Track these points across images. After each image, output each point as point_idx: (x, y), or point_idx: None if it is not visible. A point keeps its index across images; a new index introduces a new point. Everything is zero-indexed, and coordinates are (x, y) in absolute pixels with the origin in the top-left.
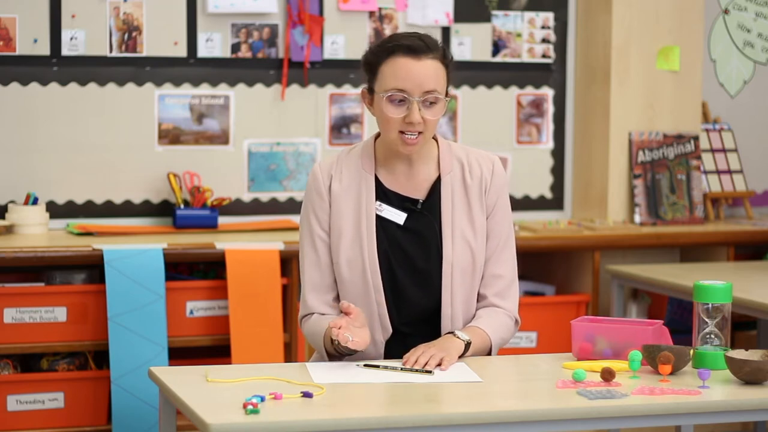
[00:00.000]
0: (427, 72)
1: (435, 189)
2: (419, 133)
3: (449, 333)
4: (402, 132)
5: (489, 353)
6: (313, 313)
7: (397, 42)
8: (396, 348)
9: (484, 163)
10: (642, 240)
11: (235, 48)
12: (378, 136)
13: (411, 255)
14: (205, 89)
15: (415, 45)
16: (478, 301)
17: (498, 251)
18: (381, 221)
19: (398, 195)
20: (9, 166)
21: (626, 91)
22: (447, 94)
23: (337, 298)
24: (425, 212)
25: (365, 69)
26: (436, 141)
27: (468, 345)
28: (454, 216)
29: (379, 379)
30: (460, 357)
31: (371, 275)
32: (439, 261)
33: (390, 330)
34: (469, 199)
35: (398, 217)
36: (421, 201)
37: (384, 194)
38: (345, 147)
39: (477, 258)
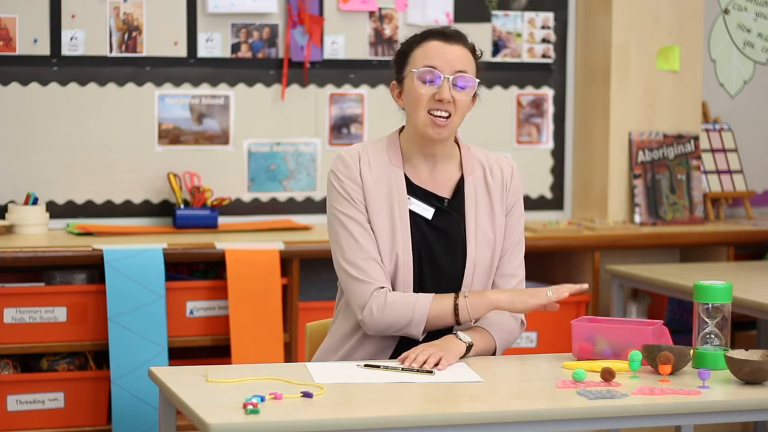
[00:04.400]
0: (458, 54)
1: (459, 189)
2: (448, 116)
3: (452, 334)
4: (431, 113)
5: (493, 354)
6: (384, 288)
7: (432, 29)
8: (409, 343)
9: (504, 165)
10: (642, 240)
11: (235, 48)
12: (401, 131)
13: (436, 251)
14: (205, 89)
15: (448, 31)
16: None
17: (509, 252)
18: (411, 216)
19: (424, 191)
20: (9, 166)
21: (626, 91)
22: (475, 94)
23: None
24: (451, 210)
25: (396, 61)
26: (458, 143)
27: (469, 347)
28: (477, 216)
29: (379, 379)
30: (461, 358)
31: (403, 269)
32: (462, 259)
33: None
34: (491, 200)
35: (427, 212)
36: (447, 199)
37: (412, 189)
38: (363, 141)
39: (495, 258)
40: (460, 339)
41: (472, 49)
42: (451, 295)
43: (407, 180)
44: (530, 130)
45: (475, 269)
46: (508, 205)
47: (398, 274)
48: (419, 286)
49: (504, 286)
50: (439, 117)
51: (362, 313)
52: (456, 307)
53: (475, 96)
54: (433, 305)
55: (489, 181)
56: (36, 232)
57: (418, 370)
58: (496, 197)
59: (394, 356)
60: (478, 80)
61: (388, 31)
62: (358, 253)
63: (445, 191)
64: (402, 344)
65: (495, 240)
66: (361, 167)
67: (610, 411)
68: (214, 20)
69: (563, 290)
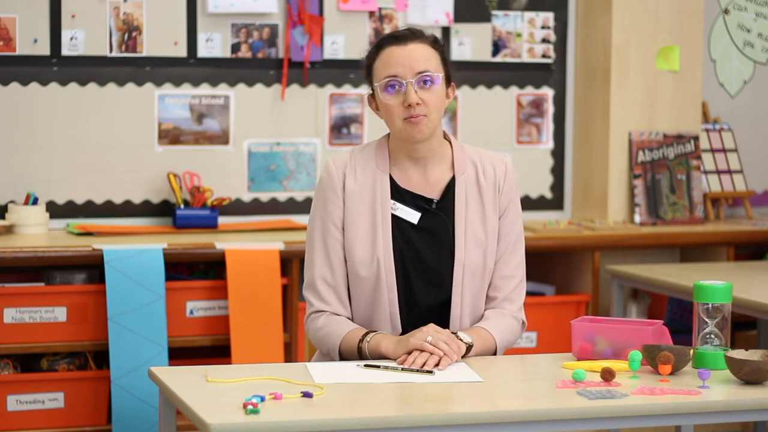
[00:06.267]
0: (414, 54)
1: (449, 189)
2: (423, 115)
3: (452, 334)
4: (406, 119)
5: (494, 355)
6: (325, 311)
7: (384, 36)
8: None
9: (498, 164)
10: (642, 240)
11: (235, 48)
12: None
13: (423, 254)
14: (205, 89)
15: (399, 34)
16: (485, 302)
17: (508, 253)
18: (395, 220)
19: (412, 194)
20: (9, 166)
21: (626, 91)
22: (450, 82)
23: (347, 296)
24: (439, 212)
25: (365, 76)
26: (449, 142)
27: (470, 347)
28: (467, 217)
29: (379, 379)
30: (462, 358)
31: (386, 274)
32: (451, 261)
33: (399, 329)
34: (483, 200)
35: (412, 216)
36: (435, 201)
37: (398, 193)
38: (357, 145)
39: (488, 259)
40: (460, 339)
41: (433, 42)
42: (359, 336)
43: (394, 183)
44: (530, 130)
45: (465, 270)
46: (502, 205)
47: (380, 277)
48: (406, 288)
49: (504, 287)
50: (414, 118)
51: (305, 323)
52: (360, 348)
53: (452, 86)
54: (343, 343)
55: (481, 181)
56: (36, 232)
57: (418, 370)
58: (488, 198)
59: None
60: (441, 74)
61: (388, 31)
62: (319, 269)
63: (435, 192)
64: None
65: (487, 241)
66: (346, 175)
67: (610, 411)
68: (214, 20)
69: (440, 343)
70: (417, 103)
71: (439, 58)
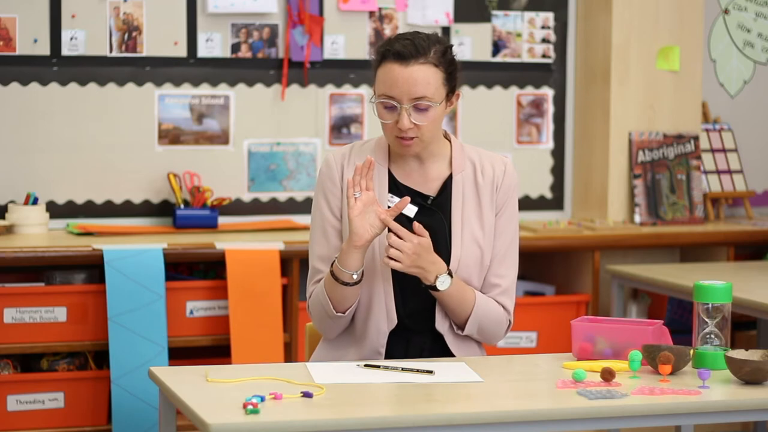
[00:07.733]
0: (414, 79)
1: (446, 187)
2: (414, 137)
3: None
4: (398, 136)
5: (466, 320)
6: None
7: (390, 46)
8: (398, 341)
9: (497, 164)
10: (642, 240)
11: (235, 48)
12: None
13: None
14: (205, 89)
15: (404, 51)
16: None
17: (503, 252)
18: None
19: (410, 189)
20: (9, 166)
21: (626, 91)
22: (452, 95)
23: None
24: (435, 209)
25: (373, 68)
26: (449, 140)
27: (450, 274)
28: (464, 214)
29: (379, 379)
30: (437, 291)
31: (381, 264)
32: (447, 257)
33: (395, 320)
34: (480, 198)
35: (409, 210)
36: (432, 197)
37: (396, 187)
38: (358, 140)
39: (484, 257)
40: (448, 273)
41: (438, 60)
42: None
43: (393, 178)
44: (530, 130)
45: (462, 267)
46: (499, 203)
47: (375, 267)
48: (402, 281)
49: (494, 287)
50: (405, 140)
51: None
52: (332, 273)
53: (456, 93)
54: (326, 288)
55: (479, 179)
56: (36, 232)
57: (417, 370)
58: (486, 196)
59: (387, 356)
60: (440, 99)
61: (388, 31)
62: (315, 261)
63: (432, 189)
64: (394, 344)
65: (484, 239)
66: (344, 167)
67: (610, 411)
68: (214, 20)
69: (353, 183)
70: (409, 128)
71: (441, 77)
